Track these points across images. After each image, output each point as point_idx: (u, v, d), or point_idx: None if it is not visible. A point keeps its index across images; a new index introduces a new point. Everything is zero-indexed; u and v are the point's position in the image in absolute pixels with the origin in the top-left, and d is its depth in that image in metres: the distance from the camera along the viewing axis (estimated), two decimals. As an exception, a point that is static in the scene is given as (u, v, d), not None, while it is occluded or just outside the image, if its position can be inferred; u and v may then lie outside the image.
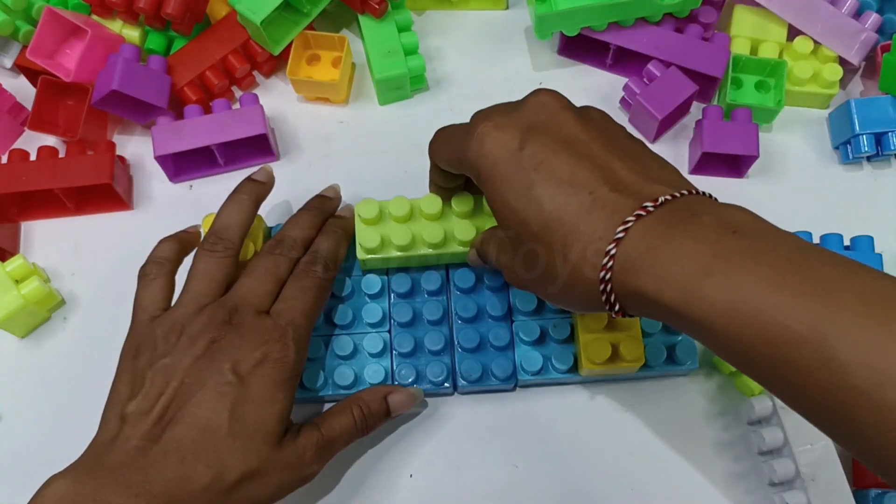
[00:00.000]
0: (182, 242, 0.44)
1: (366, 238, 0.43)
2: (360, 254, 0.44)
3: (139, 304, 0.41)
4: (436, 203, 0.43)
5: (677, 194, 0.31)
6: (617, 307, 0.31)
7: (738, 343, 0.27)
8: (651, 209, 0.30)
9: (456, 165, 0.38)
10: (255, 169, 0.45)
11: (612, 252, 0.30)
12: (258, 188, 0.44)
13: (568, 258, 0.31)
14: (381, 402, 0.42)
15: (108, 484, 0.33)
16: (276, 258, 0.42)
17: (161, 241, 0.43)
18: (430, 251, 0.44)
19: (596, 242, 0.31)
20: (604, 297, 0.31)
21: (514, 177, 0.33)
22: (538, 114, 0.34)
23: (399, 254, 0.44)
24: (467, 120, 0.54)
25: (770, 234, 0.29)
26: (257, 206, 0.44)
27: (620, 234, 0.30)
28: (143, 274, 0.42)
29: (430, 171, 0.42)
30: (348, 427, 0.40)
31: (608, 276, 0.30)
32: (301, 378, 0.43)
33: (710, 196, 0.32)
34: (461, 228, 0.43)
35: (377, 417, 0.42)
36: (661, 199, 0.31)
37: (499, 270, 0.44)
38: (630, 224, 0.30)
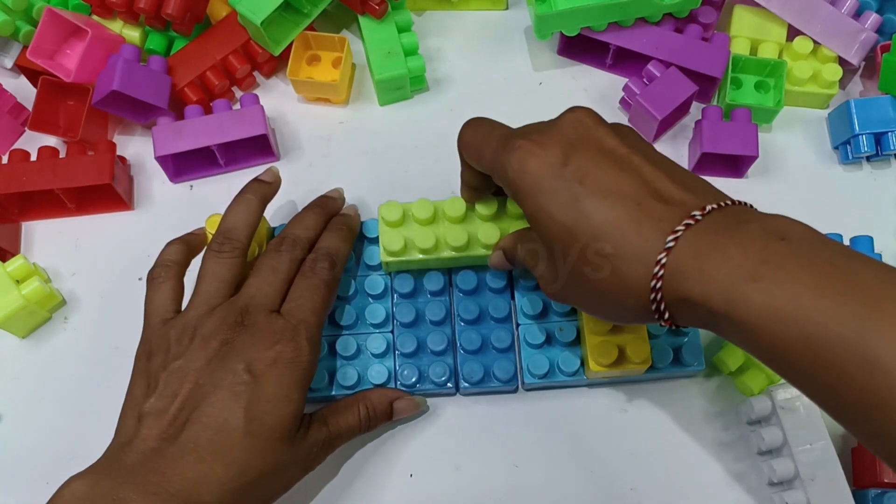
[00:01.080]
0: (189, 244, 0.44)
1: (389, 240, 0.43)
2: (384, 256, 0.44)
3: (150, 308, 0.41)
4: (459, 206, 0.44)
5: (722, 204, 0.32)
6: (666, 315, 0.32)
7: (780, 346, 0.28)
8: (699, 218, 0.31)
9: (488, 171, 0.38)
10: (258, 169, 0.46)
11: (663, 261, 0.31)
12: (264, 188, 0.45)
13: (616, 270, 0.32)
14: (386, 405, 0.43)
15: (126, 484, 0.34)
16: (280, 255, 0.42)
17: (168, 244, 0.44)
18: (454, 254, 0.44)
19: (647, 252, 0.31)
20: (653, 306, 0.31)
21: (559, 190, 0.33)
22: (576, 130, 0.35)
23: (422, 256, 0.44)
24: (467, 119, 0.54)
25: (814, 240, 0.30)
26: (264, 207, 0.44)
27: (671, 244, 0.31)
28: (152, 278, 0.42)
29: (462, 172, 0.42)
30: (353, 425, 0.41)
31: (659, 285, 0.31)
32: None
33: (751, 206, 0.33)
34: (485, 231, 0.44)
35: (380, 419, 0.43)
36: (709, 208, 0.31)
37: (522, 272, 0.45)
38: (680, 233, 0.31)
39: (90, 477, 0.34)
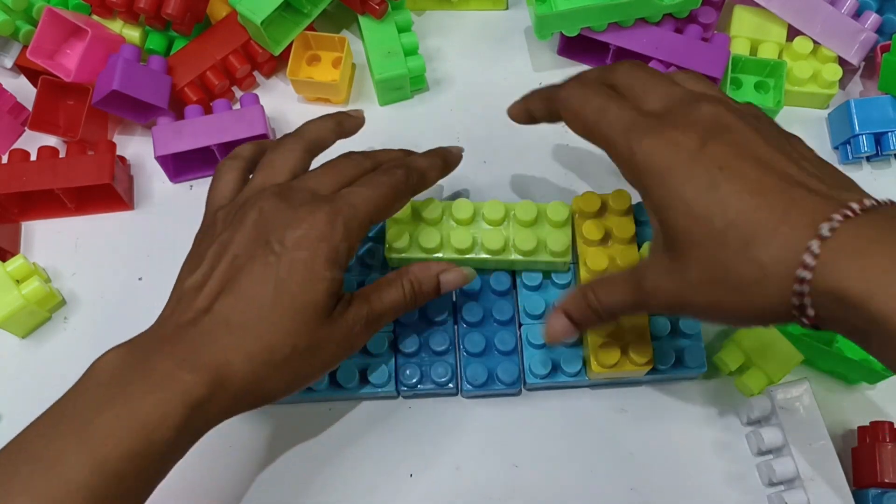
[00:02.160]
0: (263, 147, 0.43)
1: (394, 236, 0.43)
2: (387, 252, 0.44)
3: (209, 197, 0.41)
4: (467, 208, 0.44)
5: (878, 201, 0.30)
6: (811, 312, 0.29)
7: None
8: (858, 212, 0.29)
9: (600, 145, 0.36)
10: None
11: (816, 251, 0.28)
12: (348, 118, 0.43)
13: (756, 258, 0.29)
14: (432, 279, 0.41)
15: (157, 353, 0.34)
16: (348, 158, 0.41)
17: (243, 144, 0.44)
18: (456, 256, 0.44)
19: (795, 241, 0.29)
20: (796, 300, 0.29)
21: (697, 175, 0.31)
22: (709, 122, 0.33)
23: (424, 255, 0.44)
24: (467, 119, 0.54)
25: None
26: (338, 130, 0.43)
27: (827, 234, 0.28)
28: (217, 169, 0.42)
29: (532, 101, 0.41)
30: (398, 301, 0.40)
31: (809, 276, 0.28)
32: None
33: None
34: (489, 236, 0.43)
35: (427, 295, 0.41)
36: (869, 203, 0.29)
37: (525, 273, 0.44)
38: (837, 224, 0.28)
39: (125, 347, 0.35)
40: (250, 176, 0.41)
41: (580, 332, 0.39)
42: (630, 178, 0.35)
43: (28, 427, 0.33)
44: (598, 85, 0.37)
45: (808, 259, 0.28)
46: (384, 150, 0.44)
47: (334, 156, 0.42)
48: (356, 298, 0.39)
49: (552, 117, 0.39)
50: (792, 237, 0.29)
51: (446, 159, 0.44)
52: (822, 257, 0.28)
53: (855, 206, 0.29)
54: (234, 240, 0.37)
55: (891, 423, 0.42)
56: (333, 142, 0.43)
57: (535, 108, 0.41)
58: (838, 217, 0.28)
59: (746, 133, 0.32)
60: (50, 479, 0.31)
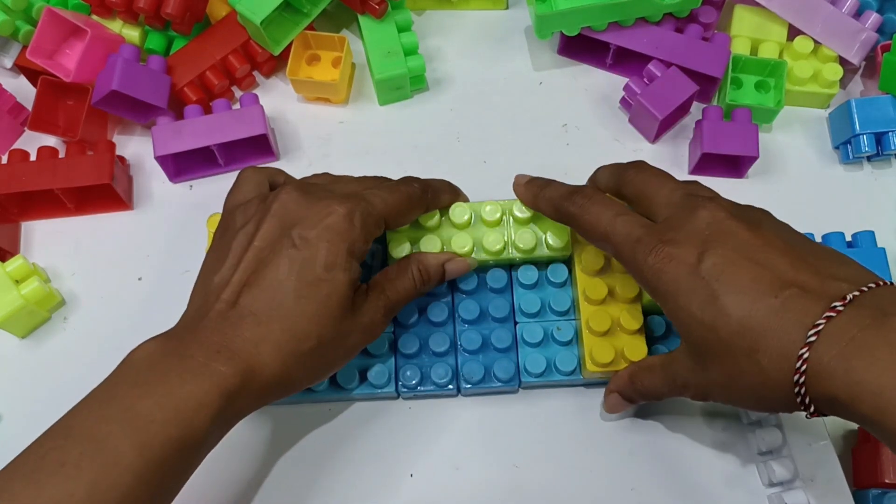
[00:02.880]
0: (276, 175, 0.44)
1: (396, 244, 0.43)
2: (390, 261, 0.44)
3: (228, 198, 0.42)
4: (464, 212, 0.44)
5: (865, 289, 0.31)
6: (812, 409, 0.31)
7: None
8: (840, 308, 0.30)
9: (615, 258, 0.39)
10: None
11: (805, 356, 0.30)
12: (417, 194, 0.43)
13: (760, 364, 0.32)
14: (438, 267, 0.43)
15: (192, 343, 0.35)
16: (366, 177, 0.43)
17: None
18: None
19: (788, 346, 0.31)
20: (798, 400, 0.31)
21: (698, 290, 0.34)
22: (709, 228, 0.35)
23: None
24: (467, 119, 0.54)
25: None
26: (417, 209, 0.43)
27: (812, 338, 0.30)
28: (240, 174, 0.43)
29: (540, 203, 0.42)
30: (410, 287, 0.42)
31: (802, 380, 0.31)
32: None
33: (893, 284, 0.32)
34: (489, 238, 0.44)
35: (434, 281, 0.43)
36: (850, 296, 0.31)
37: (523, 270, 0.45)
38: (821, 326, 0.30)
39: (161, 339, 0.36)
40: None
41: (634, 405, 0.43)
42: (646, 291, 0.37)
43: (72, 410, 0.34)
44: (607, 199, 0.39)
45: (800, 365, 0.31)
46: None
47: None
48: (372, 289, 0.40)
49: (559, 220, 0.42)
50: (786, 343, 0.31)
51: (456, 191, 0.46)
52: (811, 363, 0.30)
53: (838, 304, 0.31)
54: (257, 232, 0.38)
55: None
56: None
57: (543, 210, 0.42)
58: (822, 320, 0.30)
59: (742, 236, 0.34)
60: (99, 460, 0.31)
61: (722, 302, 0.33)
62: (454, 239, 0.44)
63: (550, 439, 0.44)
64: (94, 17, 0.51)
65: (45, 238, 0.50)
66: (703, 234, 0.35)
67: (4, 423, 0.45)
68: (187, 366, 0.34)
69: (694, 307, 0.34)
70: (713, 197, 0.37)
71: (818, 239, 0.47)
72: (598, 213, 0.38)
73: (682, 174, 0.51)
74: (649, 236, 0.36)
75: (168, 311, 0.43)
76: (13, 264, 0.45)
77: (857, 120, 0.50)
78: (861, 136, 0.50)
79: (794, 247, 0.34)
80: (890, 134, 0.50)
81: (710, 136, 0.49)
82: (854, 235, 0.47)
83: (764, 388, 0.32)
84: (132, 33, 0.51)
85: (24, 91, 0.53)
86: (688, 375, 0.37)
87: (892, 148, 0.50)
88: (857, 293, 0.31)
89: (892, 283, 0.32)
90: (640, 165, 0.41)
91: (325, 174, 0.44)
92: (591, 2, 0.48)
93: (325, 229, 0.38)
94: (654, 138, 0.52)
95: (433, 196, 0.43)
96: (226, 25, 0.52)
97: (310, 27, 0.52)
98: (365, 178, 0.43)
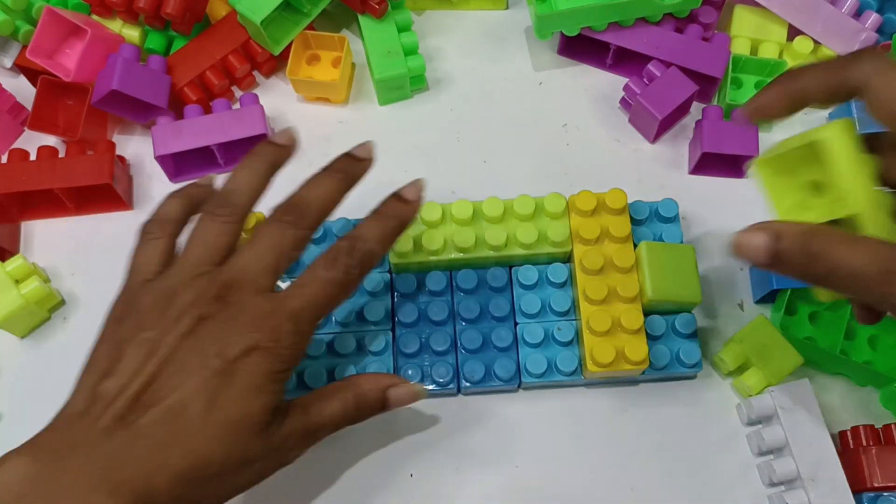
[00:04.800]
0: (190, 199, 0.39)
1: (398, 242, 0.41)
2: (392, 257, 0.44)
3: (134, 264, 0.37)
4: (466, 208, 0.44)
5: None
6: None
7: None
8: None
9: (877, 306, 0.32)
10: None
11: None
12: (277, 152, 0.39)
13: None
14: (378, 393, 0.38)
15: (72, 468, 0.31)
16: (283, 228, 0.36)
17: (168, 197, 0.39)
18: (461, 255, 0.44)
19: None
20: None
21: None
22: None
23: (429, 258, 0.44)
24: (467, 119, 0.54)
25: None
26: (273, 172, 0.39)
27: None
28: (144, 232, 0.38)
29: (804, 79, 0.33)
30: (338, 415, 0.37)
31: None
32: (303, 375, 0.43)
33: None
34: (491, 233, 0.44)
35: (371, 409, 0.38)
36: None
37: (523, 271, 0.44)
38: None
39: (31, 455, 0.31)
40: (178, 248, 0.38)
41: (765, 265, 0.31)
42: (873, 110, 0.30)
43: None
44: (835, 232, 0.30)
45: None
46: (314, 186, 0.38)
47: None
48: (294, 408, 0.36)
49: (831, 102, 0.33)
50: None
51: (403, 219, 0.38)
52: None
53: None
54: (164, 342, 0.34)
55: (871, 427, 0.42)
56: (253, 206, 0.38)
57: (810, 92, 0.33)
58: None
59: None
60: None
61: None
62: (456, 235, 0.44)
63: (551, 439, 0.44)
64: (94, 16, 0.51)
65: (45, 238, 0.50)
66: None
67: (4, 423, 0.45)
68: (63, 497, 0.30)
69: None
70: None
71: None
72: (851, 251, 0.29)
73: (682, 174, 0.51)
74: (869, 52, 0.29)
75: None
76: (13, 264, 0.45)
77: (857, 120, 0.50)
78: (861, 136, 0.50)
79: None
80: (890, 134, 0.50)
81: (710, 136, 0.49)
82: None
83: None
84: (132, 33, 0.51)
85: (23, 91, 0.53)
86: None
87: (892, 148, 0.50)
88: None
89: None
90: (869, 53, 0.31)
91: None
92: (592, 2, 0.48)
93: (246, 350, 0.33)
94: (654, 138, 0.52)
95: (368, 262, 0.37)
96: (226, 25, 0.52)
97: (310, 27, 0.52)
98: (281, 233, 0.36)
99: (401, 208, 0.39)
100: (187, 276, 0.35)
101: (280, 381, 0.35)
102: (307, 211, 0.37)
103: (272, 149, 0.39)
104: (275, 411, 0.35)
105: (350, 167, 0.39)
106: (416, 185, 0.40)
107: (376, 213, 0.39)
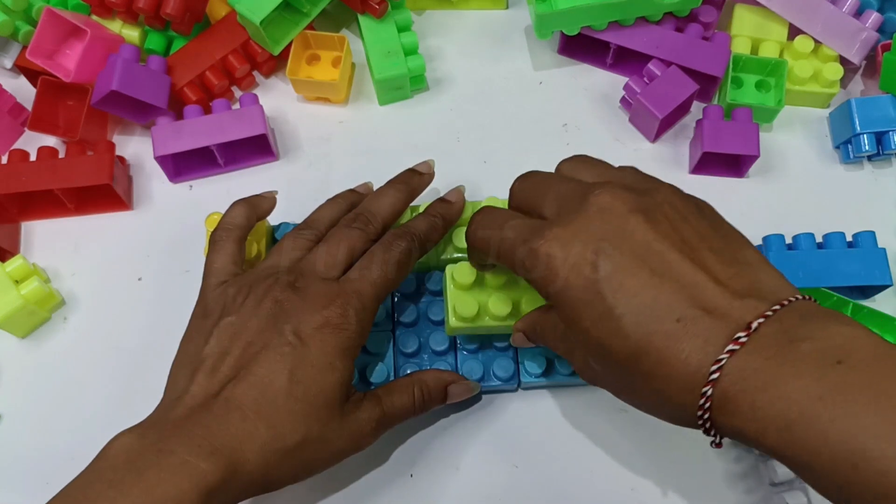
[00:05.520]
0: (254, 207, 0.44)
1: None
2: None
3: (208, 269, 0.41)
4: (467, 208, 0.45)
5: (770, 312, 0.29)
6: (719, 439, 0.30)
7: (845, 488, 0.26)
8: (744, 341, 0.28)
9: (509, 267, 0.35)
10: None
11: (709, 393, 0.28)
12: (416, 180, 0.45)
13: (662, 391, 0.30)
14: (441, 389, 0.42)
15: (172, 436, 0.34)
16: (351, 231, 0.41)
17: (233, 205, 0.44)
18: (461, 255, 0.45)
19: (692, 378, 0.29)
20: (702, 430, 0.30)
21: (592, 303, 0.30)
22: (603, 222, 0.31)
23: (429, 259, 0.45)
24: (467, 119, 0.54)
25: (881, 359, 0.27)
26: (411, 198, 0.44)
27: (715, 375, 0.28)
28: (213, 240, 0.42)
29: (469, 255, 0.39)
30: (408, 406, 0.41)
31: (707, 415, 0.29)
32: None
33: (809, 299, 0.30)
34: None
35: (434, 402, 0.42)
36: (755, 324, 0.28)
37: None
38: (724, 361, 0.28)
39: (138, 430, 0.35)
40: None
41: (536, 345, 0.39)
42: (542, 296, 0.34)
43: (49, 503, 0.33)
44: (495, 209, 0.37)
45: (703, 401, 0.29)
46: (378, 197, 0.44)
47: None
48: (368, 398, 0.39)
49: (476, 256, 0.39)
50: (689, 375, 0.29)
51: (447, 217, 0.44)
52: (716, 397, 0.28)
53: (742, 335, 0.28)
54: (247, 325, 0.37)
55: None
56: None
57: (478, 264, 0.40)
58: (724, 355, 0.28)
59: (638, 233, 0.31)
60: None
61: (618, 321, 0.30)
62: (455, 235, 0.44)
63: (550, 439, 0.44)
64: (94, 17, 0.51)
65: (45, 238, 0.50)
66: (596, 231, 0.31)
67: (4, 423, 0.45)
68: (166, 463, 0.33)
69: (588, 323, 0.31)
70: (610, 181, 0.33)
71: (819, 239, 0.47)
72: (485, 225, 0.36)
73: (682, 174, 0.51)
74: (535, 235, 0.32)
75: (168, 312, 0.43)
76: (13, 264, 0.45)
77: (857, 119, 0.50)
78: (861, 136, 0.50)
79: (700, 245, 0.31)
80: (890, 133, 0.50)
81: (710, 136, 0.48)
82: (854, 235, 0.47)
83: (668, 414, 0.31)
84: (132, 33, 0.51)
85: (24, 91, 0.53)
86: (581, 365, 0.34)
87: (893, 147, 0.50)
88: (762, 320, 0.28)
89: (805, 298, 0.30)
90: (524, 175, 0.37)
91: (307, 230, 0.42)
92: (592, 1, 0.48)
93: (318, 329, 0.37)
94: (655, 138, 0.52)
95: (421, 247, 0.42)
96: (226, 25, 0.52)
97: (310, 27, 0.52)
98: (349, 232, 0.41)
99: (445, 207, 0.44)
100: (264, 274, 0.40)
101: (350, 357, 0.38)
102: (374, 218, 0.42)
103: (412, 176, 0.45)
104: (348, 387, 0.38)
105: (411, 180, 0.45)
106: (458, 190, 0.45)
107: (424, 212, 0.44)
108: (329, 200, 0.44)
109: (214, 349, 0.37)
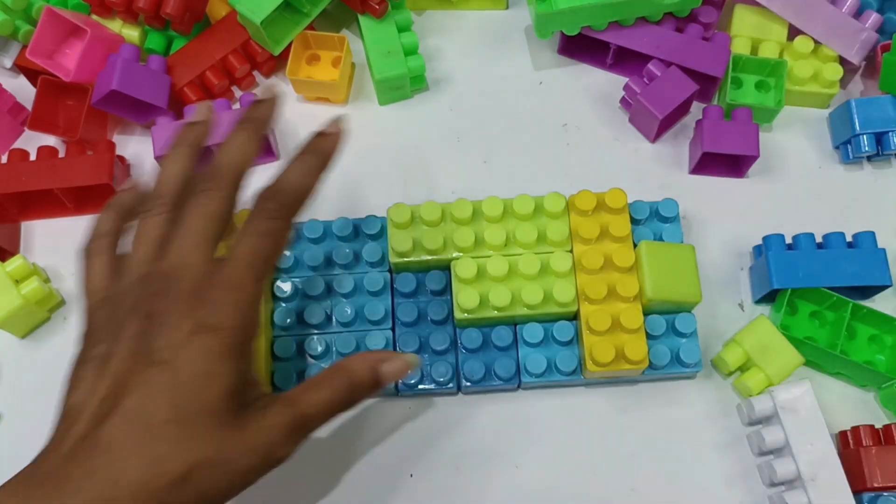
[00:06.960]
0: (118, 209, 0.38)
1: (398, 242, 0.43)
2: (391, 257, 0.44)
3: (86, 288, 0.36)
4: (466, 208, 0.44)
5: None
6: None
7: None
8: None
9: None
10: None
11: None
12: (194, 133, 0.38)
13: None
14: (370, 370, 0.36)
15: (32, 498, 0.29)
16: (208, 197, 0.35)
17: (99, 214, 0.38)
18: (461, 255, 0.44)
19: None
20: None
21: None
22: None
23: (429, 258, 0.44)
24: (467, 119, 0.54)
25: None
26: (195, 153, 0.38)
27: None
28: (84, 255, 0.37)
29: None
30: (329, 402, 0.34)
31: None
32: (303, 375, 0.43)
33: None
34: (491, 232, 0.44)
35: (364, 390, 0.35)
36: None
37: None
38: None
39: (23, 484, 0.31)
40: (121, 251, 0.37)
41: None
42: None
43: None
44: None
45: None
46: (228, 146, 0.37)
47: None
48: (277, 401, 0.33)
49: None
50: None
51: (323, 151, 0.37)
52: None
53: None
54: (112, 355, 0.32)
55: (871, 427, 0.42)
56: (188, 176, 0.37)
57: None
58: None
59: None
60: None
61: None
62: (456, 235, 0.44)
63: (551, 439, 0.44)
64: (94, 16, 0.51)
65: (45, 238, 0.50)
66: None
67: (4, 423, 0.45)
68: None
69: None
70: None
71: (818, 239, 0.47)
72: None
73: (682, 174, 0.51)
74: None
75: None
76: (13, 264, 0.45)
77: (857, 120, 0.50)
78: (861, 136, 0.50)
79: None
80: (890, 134, 0.50)
81: (710, 136, 0.48)
82: (854, 236, 0.47)
83: None
84: (132, 33, 0.51)
85: (23, 91, 0.53)
86: None
87: (893, 148, 0.50)
88: None
89: None
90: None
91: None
92: (592, 1, 0.48)
93: (191, 334, 0.32)
94: (655, 138, 0.52)
95: (294, 203, 0.36)
96: (226, 25, 0.52)
97: (310, 27, 0.52)
98: (206, 210, 0.35)
99: (321, 142, 0.38)
100: (132, 281, 0.34)
101: (235, 359, 0.32)
102: (224, 174, 0.36)
103: (190, 131, 0.38)
104: (241, 394, 0.32)
105: (256, 115, 0.38)
106: (337, 119, 0.39)
107: (297, 153, 0.37)
108: (170, 152, 0.38)
109: (85, 386, 0.32)
